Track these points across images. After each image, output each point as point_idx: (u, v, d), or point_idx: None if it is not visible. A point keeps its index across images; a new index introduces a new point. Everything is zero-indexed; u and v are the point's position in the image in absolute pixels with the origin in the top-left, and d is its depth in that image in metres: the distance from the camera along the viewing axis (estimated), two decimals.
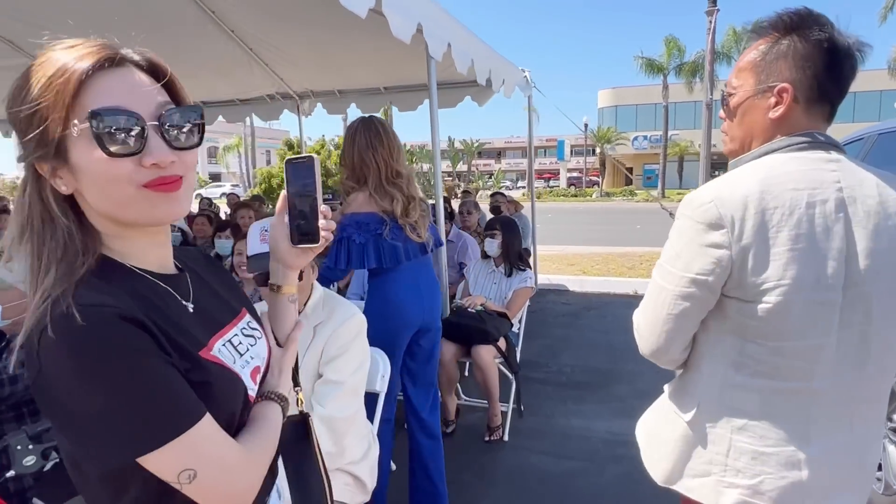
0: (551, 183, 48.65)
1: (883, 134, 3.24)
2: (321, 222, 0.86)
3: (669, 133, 33.53)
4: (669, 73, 30.82)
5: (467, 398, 3.60)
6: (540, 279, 7.03)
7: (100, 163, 0.67)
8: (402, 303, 2.23)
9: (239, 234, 3.71)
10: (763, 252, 0.96)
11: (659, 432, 1.21)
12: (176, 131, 0.71)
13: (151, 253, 0.77)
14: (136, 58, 0.72)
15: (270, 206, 12.83)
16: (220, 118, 6.91)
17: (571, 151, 47.28)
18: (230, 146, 37.76)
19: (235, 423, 0.76)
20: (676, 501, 1.21)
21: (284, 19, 4.57)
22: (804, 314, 0.97)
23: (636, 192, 31.67)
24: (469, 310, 3.14)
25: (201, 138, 0.75)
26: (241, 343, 0.83)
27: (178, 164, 0.71)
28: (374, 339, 1.84)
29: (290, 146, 17.57)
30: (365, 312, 1.88)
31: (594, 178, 44.12)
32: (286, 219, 0.88)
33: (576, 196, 34.06)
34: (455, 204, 5.73)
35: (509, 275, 3.43)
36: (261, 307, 1.04)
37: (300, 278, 1.76)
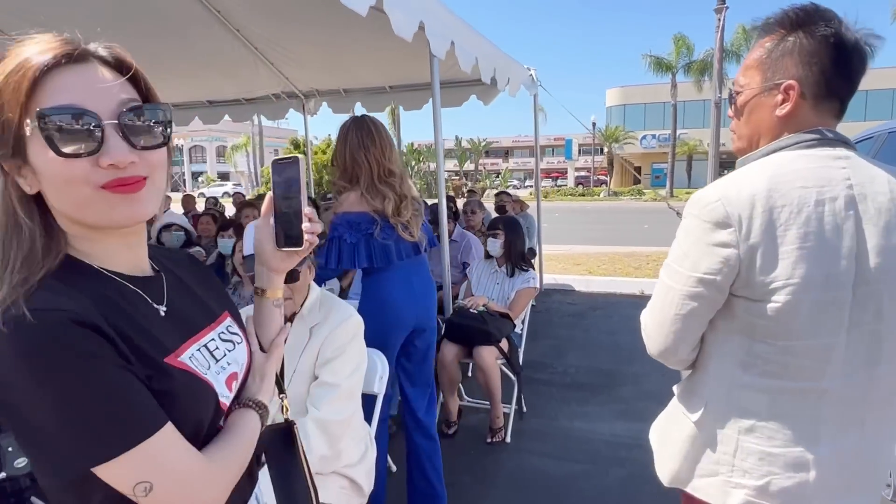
0: (559, 182, 48.51)
1: (893, 132, 3.18)
2: (305, 225, 0.84)
3: (678, 132, 33.32)
4: (678, 72, 30.60)
5: (470, 399, 3.57)
6: (546, 279, 7.00)
7: (54, 163, 0.64)
8: (395, 302, 2.21)
9: (241, 233, 3.71)
10: (771, 251, 0.95)
11: (668, 433, 1.20)
12: (138, 130, 0.68)
13: (121, 254, 0.75)
14: (102, 53, 0.70)
15: None
16: (227, 117, 6.94)
17: (579, 150, 47.14)
18: (238, 145, 37.93)
19: (203, 433, 0.74)
20: None
21: (289, 19, 4.57)
22: (813, 313, 0.96)
23: (644, 191, 31.48)
24: (471, 310, 3.11)
25: (167, 137, 0.72)
26: (217, 348, 0.81)
27: (141, 164, 0.69)
28: (368, 338, 1.82)
29: (296, 145, 17.63)
30: (358, 312, 1.86)
31: (602, 178, 43.93)
32: (272, 221, 0.86)
33: (583, 195, 33.91)
34: (461, 203, 5.71)
35: (512, 275, 3.40)
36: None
37: (297, 279, 1.75)
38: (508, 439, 3.15)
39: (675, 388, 1.23)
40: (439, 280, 3.60)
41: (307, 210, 0.84)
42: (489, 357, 3.03)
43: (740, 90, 1.11)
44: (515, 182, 45.77)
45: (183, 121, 7.07)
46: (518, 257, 3.42)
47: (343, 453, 1.70)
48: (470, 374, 3.89)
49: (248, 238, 1.74)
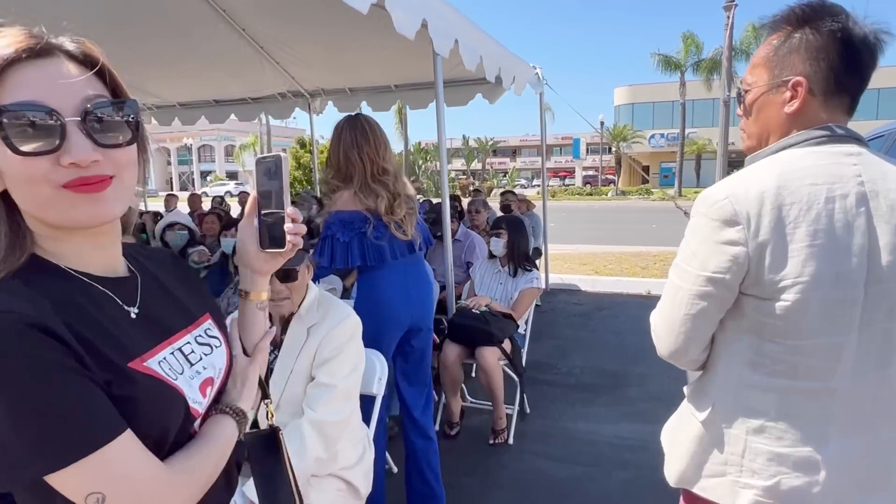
0: (567, 181, 48.35)
1: None
2: (288, 226, 0.81)
3: (687, 131, 33.10)
4: (687, 70, 30.40)
5: (473, 400, 3.55)
6: (552, 279, 6.96)
7: (13, 162, 0.62)
8: (389, 301, 2.20)
9: None
10: (780, 248, 0.94)
11: (677, 434, 1.18)
12: (103, 127, 0.66)
13: (91, 255, 0.73)
14: (69, 47, 0.67)
15: None
16: (233, 116, 6.96)
17: (587, 150, 46.96)
18: (246, 144, 38.07)
19: (170, 440, 0.72)
20: None
21: (295, 18, 4.57)
22: (823, 311, 0.94)
23: (652, 190, 31.31)
24: (473, 311, 3.09)
25: (135, 135, 0.70)
26: (192, 352, 0.79)
27: (105, 162, 0.66)
28: (363, 337, 1.81)
29: (303, 144, 17.69)
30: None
31: (610, 177, 43.74)
32: (255, 221, 0.84)
33: (591, 195, 33.79)
34: (467, 202, 5.68)
35: (515, 275, 3.37)
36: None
37: (295, 279, 1.73)
38: (511, 441, 3.12)
39: (685, 389, 1.21)
40: (442, 280, 3.58)
41: (290, 210, 0.82)
42: (491, 358, 3.00)
43: (748, 88, 1.10)
44: (523, 181, 45.65)
45: (189, 120, 7.10)
46: (521, 257, 3.39)
47: (340, 455, 1.69)
48: (473, 374, 3.86)
49: None
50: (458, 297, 3.56)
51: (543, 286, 3.67)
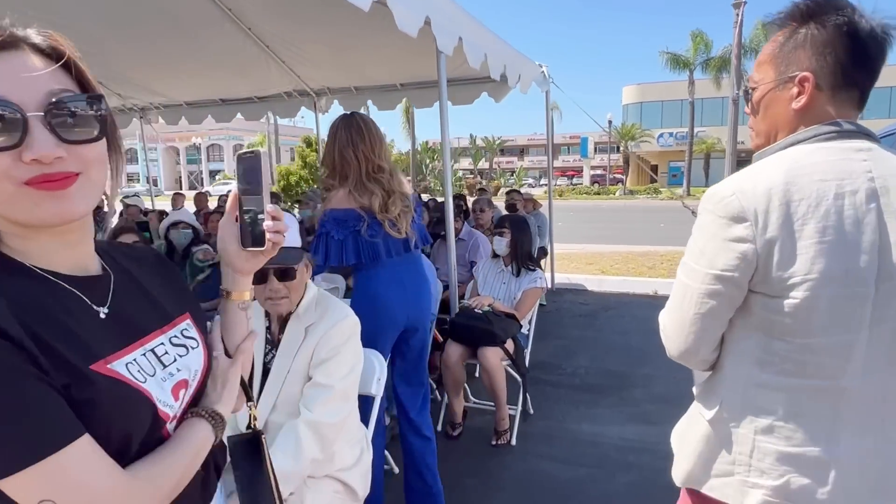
0: (575, 180, 48.19)
1: None
2: (267, 223, 0.79)
3: (696, 130, 32.86)
4: (696, 69, 30.17)
5: (476, 400, 3.52)
6: (558, 278, 6.93)
7: None
8: (385, 300, 2.18)
9: None
10: (789, 245, 0.93)
11: (685, 434, 1.17)
12: (69, 123, 0.64)
13: (59, 253, 0.71)
14: (35, 40, 0.65)
15: (290, 204, 12.94)
16: (239, 115, 6.97)
17: (595, 149, 46.73)
18: (254, 144, 38.25)
19: (134, 446, 0.69)
20: None
21: (300, 17, 4.56)
22: (833, 309, 0.93)
23: (660, 189, 31.13)
24: (476, 310, 3.06)
25: (103, 130, 0.68)
26: (166, 353, 0.77)
27: (70, 159, 0.64)
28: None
29: (309, 143, 17.73)
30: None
31: (618, 176, 43.53)
32: (236, 219, 0.82)
33: (598, 194, 33.64)
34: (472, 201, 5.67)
35: (518, 275, 3.34)
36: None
37: (293, 278, 1.72)
38: (514, 442, 3.09)
39: (694, 390, 1.20)
40: (446, 279, 3.56)
41: (269, 208, 0.80)
42: (494, 358, 2.98)
43: (755, 86, 1.10)
44: (531, 180, 45.52)
45: (196, 119, 7.13)
46: (525, 257, 3.35)
47: (337, 456, 1.67)
48: (477, 374, 3.84)
49: None
50: (462, 297, 3.54)
51: (547, 286, 3.63)
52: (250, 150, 0.80)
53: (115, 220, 7.37)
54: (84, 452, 0.61)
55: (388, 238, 2.15)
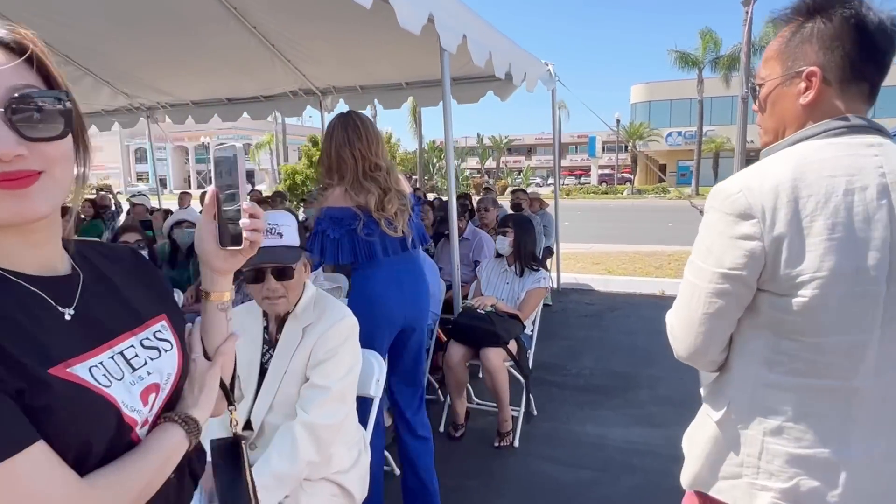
0: (582, 180, 48.01)
1: None
2: (244, 221, 0.77)
3: (705, 129, 32.62)
4: (705, 67, 29.95)
5: (479, 401, 3.49)
6: (564, 278, 6.89)
7: None
8: (381, 299, 2.16)
9: None
10: (797, 243, 0.91)
11: (693, 436, 1.15)
12: (31, 119, 0.62)
13: (24, 253, 0.69)
14: None
15: (295, 203, 12.96)
16: (245, 114, 6.98)
17: (603, 148, 46.53)
18: (262, 143, 38.35)
19: (94, 453, 0.67)
20: None
21: (305, 15, 4.55)
22: (844, 308, 0.91)
23: (669, 189, 30.92)
24: (479, 311, 3.03)
25: (68, 128, 0.65)
26: (136, 356, 0.74)
27: (32, 157, 0.62)
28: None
29: (315, 142, 17.76)
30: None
31: (626, 175, 43.30)
32: (214, 217, 0.79)
33: (606, 193, 33.49)
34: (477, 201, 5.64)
35: (521, 274, 3.31)
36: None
37: (290, 277, 1.70)
38: (517, 443, 3.06)
39: (702, 391, 1.18)
40: (449, 279, 3.53)
41: (245, 205, 0.77)
42: (496, 359, 2.95)
43: (762, 82, 1.09)
44: (538, 180, 45.38)
45: (203, 118, 7.15)
46: (528, 256, 3.32)
47: (334, 459, 1.65)
48: (480, 375, 3.81)
49: None
50: (466, 297, 3.51)
51: (551, 286, 3.60)
52: (227, 144, 0.78)
53: (122, 219, 7.43)
54: (37, 460, 0.59)
55: (384, 237, 2.14)
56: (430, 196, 8.15)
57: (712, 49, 29.19)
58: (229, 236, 0.79)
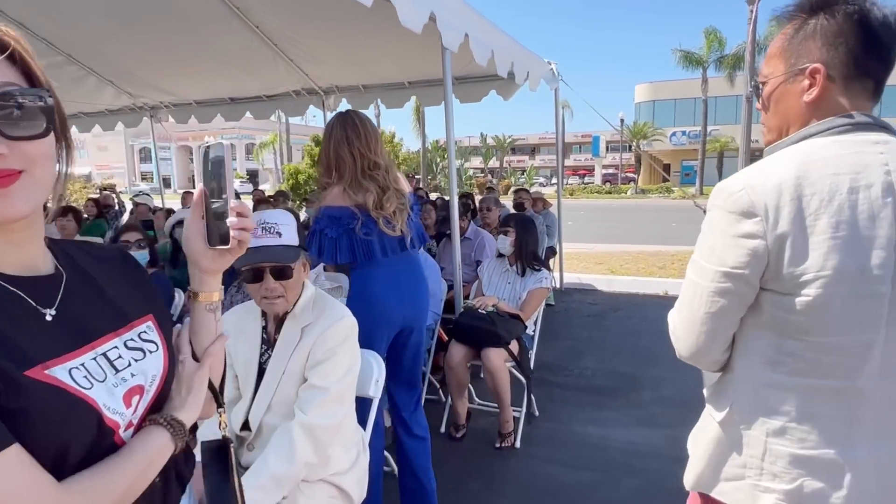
0: (586, 179, 47.93)
1: None
2: (231, 220, 0.75)
3: (709, 128, 32.53)
4: (709, 67, 29.84)
5: (480, 402, 3.47)
6: (566, 278, 6.87)
7: None
8: (380, 299, 2.15)
9: None
10: (801, 241, 0.90)
11: (697, 437, 1.15)
12: (11, 118, 0.60)
13: (4, 253, 0.67)
14: None
15: (298, 203, 12.97)
16: (248, 114, 6.98)
17: (607, 147, 46.46)
18: (266, 143, 38.42)
19: (72, 456, 0.65)
20: None
21: (307, 14, 4.55)
22: (848, 308, 0.90)
23: (673, 189, 30.84)
24: (480, 311, 3.02)
25: (49, 126, 0.64)
26: (120, 357, 0.73)
27: (13, 156, 0.61)
28: None
29: (317, 142, 17.78)
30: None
31: (630, 175, 43.21)
32: (202, 216, 0.78)
33: (610, 193, 33.42)
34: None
35: (523, 274, 3.29)
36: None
37: (289, 276, 1.69)
38: (518, 444, 3.04)
39: (704, 391, 1.17)
40: (451, 279, 3.52)
41: (233, 203, 0.76)
42: (497, 359, 2.93)
43: (765, 80, 1.08)
44: (542, 179, 45.33)
45: (206, 118, 7.15)
46: (529, 256, 3.30)
47: (332, 460, 1.63)
48: (482, 375, 3.80)
49: None
50: (467, 297, 3.50)
51: (553, 286, 3.57)
52: (214, 143, 0.76)
53: (125, 218, 7.44)
54: (10, 463, 0.58)
55: (383, 236, 2.13)
56: (433, 196, 8.13)
57: (717, 48, 29.11)
58: (217, 235, 0.77)
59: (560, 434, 3.19)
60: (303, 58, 5.43)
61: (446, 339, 3.26)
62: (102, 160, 51.54)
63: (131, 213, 7.35)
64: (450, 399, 3.21)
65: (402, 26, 2.75)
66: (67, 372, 0.66)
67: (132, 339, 0.76)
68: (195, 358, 0.83)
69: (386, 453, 2.40)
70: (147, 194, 8.43)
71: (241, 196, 8.60)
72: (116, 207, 8.52)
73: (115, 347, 0.73)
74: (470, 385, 3.30)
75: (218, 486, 0.83)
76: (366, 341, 1.87)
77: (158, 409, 0.77)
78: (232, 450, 0.85)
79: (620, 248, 9.95)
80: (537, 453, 2.98)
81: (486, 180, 30.41)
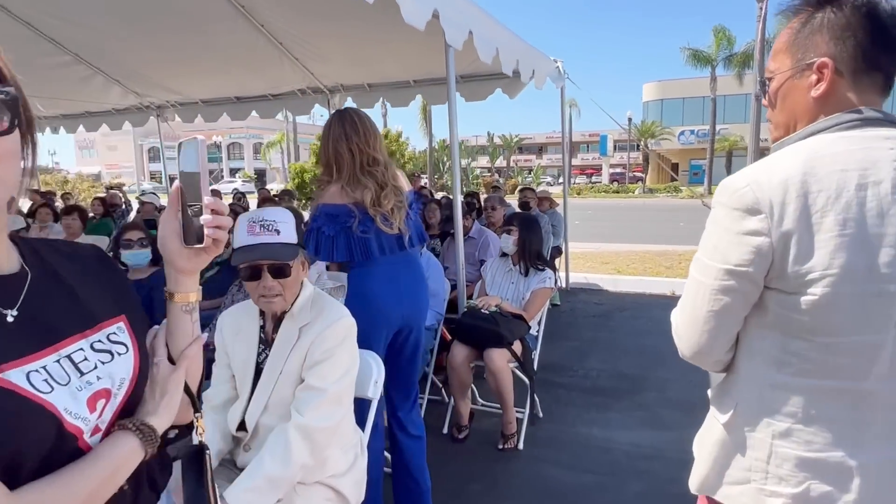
0: (594, 179, 47.75)
1: None
2: (205, 217, 0.73)
3: (718, 127, 32.28)
4: (718, 65, 29.62)
5: (484, 402, 3.45)
6: (572, 277, 6.83)
7: None
8: (377, 298, 2.13)
9: None
10: (807, 239, 0.89)
11: (702, 439, 1.13)
12: None
13: None
14: None
15: (304, 202, 12.99)
16: (254, 113, 6.99)
17: (615, 147, 46.25)
18: (273, 142, 38.55)
19: (26, 463, 0.62)
20: None
21: (312, 12, 4.54)
22: (856, 307, 0.89)
23: (681, 188, 30.65)
24: (483, 311, 2.99)
25: (12, 124, 0.62)
26: (85, 360, 0.70)
27: None
28: None
29: None
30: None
31: (638, 174, 42.99)
32: (179, 214, 0.75)
33: (618, 192, 33.26)
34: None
35: (527, 274, 3.25)
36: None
37: (287, 275, 1.66)
38: (521, 446, 3.01)
39: (709, 393, 1.15)
40: (454, 279, 3.49)
41: (207, 201, 0.73)
42: (500, 360, 2.90)
43: (771, 76, 1.06)
44: (549, 179, 45.19)
45: (212, 117, 7.16)
46: (533, 256, 3.26)
47: (329, 462, 1.61)
48: (486, 376, 3.77)
49: (239, 230, 1.66)
50: (471, 297, 3.47)
51: (556, 286, 3.54)
52: (189, 138, 0.74)
53: (131, 217, 7.46)
54: None
55: (380, 234, 2.11)
56: (440, 195, 8.11)
57: (725, 46, 28.86)
58: (193, 234, 0.75)
59: (564, 436, 3.15)
60: (308, 56, 5.42)
61: (450, 338, 3.23)
62: (112, 160, 51.95)
63: (137, 211, 7.38)
64: (452, 400, 3.18)
65: (406, 24, 2.73)
66: (25, 375, 0.64)
67: (100, 341, 0.74)
68: (171, 361, 0.81)
69: (386, 454, 2.37)
70: (154, 193, 8.47)
71: (246, 195, 8.63)
72: (123, 206, 8.56)
73: (81, 349, 0.71)
74: (473, 386, 3.26)
75: (194, 493, 0.80)
76: (364, 341, 1.85)
77: (131, 413, 0.75)
78: (207, 457, 0.82)
79: (627, 248, 9.89)
80: (540, 455, 2.95)
81: (493, 179, 30.37)
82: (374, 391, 1.88)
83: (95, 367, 0.71)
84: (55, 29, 4.78)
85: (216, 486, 0.82)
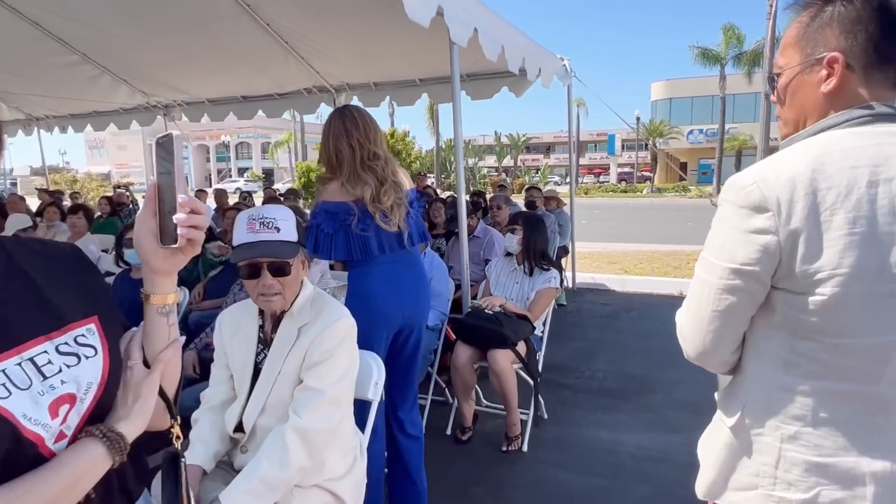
0: (602, 178, 47.53)
1: None
2: (179, 216, 0.70)
3: (727, 126, 32.02)
4: (727, 63, 29.38)
5: (488, 403, 3.41)
6: (579, 277, 6.78)
7: None
8: (377, 297, 2.10)
9: None
10: (815, 237, 0.87)
11: (707, 443, 1.11)
12: None
13: None
14: None
15: (310, 200, 13.00)
16: (260, 112, 6.99)
17: (623, 146, 46.03)
18: (281, 141, 38.68)
19: None
20: None
21: (317, 11, 4.52)
22: (867, 307, 0.86)
23: (689, 187, 30.43)
24: (487, 311, 2.95)
25: None
26: (49, 363, 0.67)
27: None
28: None
29: None
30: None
31: (646, 174, 42.75)
32: (156, 213, 0.72)
33: (626, 192, 33.10)
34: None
35: (531, 274, 3.22)
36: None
37: (287, 273, 1.64)
38: (525, 448, 2.98)
39: (716, 395, 1.13)
40: (458, 278, 3.46)
41: (181, 199, 0.70)
42: (503, 361, 2.86)
43: (780, 71, 1.04)
44: (556, 178, 45.04)
45: (218, 116, 7.18)
46: (538, 255, 3.22)
47: (327, 465, 1.58)
48: (489, 377, 3.73)
49: (238, 229, 1.64)
50: (475, 297, 3.43)
51: (561, 286, 3.49)
52: (164, 134, 0.71)
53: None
54: None
55: (380, 232, 2.08)
56: (446, 194, 8.08)
57: (735, 45, 28.62)
58: (170, 233, 0.72)
59: (569, 438, 3.11)
60: (313, 55, 5.41)
61: (454, 339, 3.20)
62: (122, 159, 52.29)
63: None
64: (456, 401, 3.15)
65: (411, 22, 2.71)
66: None
67: (66, 344, 0.71)
68: (147, 365, 0.78)
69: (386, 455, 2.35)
70: None
71: (251, 194, 8.65)
72: (130, 205, 8.60)
73: (45, 352, 0.68)
74: (477, 387, 3.23)
75: (171, 499, 0.77)
76: (364, 341, 1.82)
77: (101, 418, 0.71)
78: (182, 464, 0.79)
79: (634, 248, 9.82)
80: (545, 457, 2.91)
81: (500, 179, 30.30)
82: (375, 393, 1.85)
83: (59, 371, 0.68)
84: (63, 29, 4.80)
85: (192, 494, 0.79)
